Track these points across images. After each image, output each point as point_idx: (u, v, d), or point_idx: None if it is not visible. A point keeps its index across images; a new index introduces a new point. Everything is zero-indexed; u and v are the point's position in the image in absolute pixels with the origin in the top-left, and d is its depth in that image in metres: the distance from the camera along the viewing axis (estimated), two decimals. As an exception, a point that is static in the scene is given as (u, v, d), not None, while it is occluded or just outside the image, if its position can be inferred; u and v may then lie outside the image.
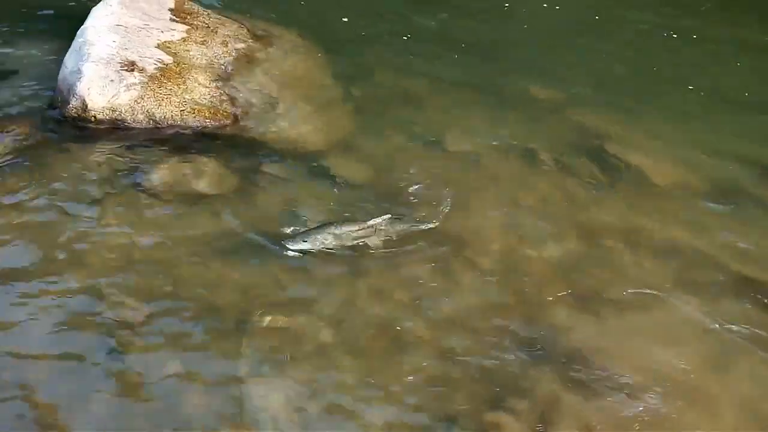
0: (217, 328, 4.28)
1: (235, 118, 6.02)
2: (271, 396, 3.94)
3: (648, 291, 4.89)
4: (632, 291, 4.89)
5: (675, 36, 8.50)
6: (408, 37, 7.96)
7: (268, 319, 4.33)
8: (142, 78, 5.97)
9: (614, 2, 9.30)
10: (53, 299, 4.34)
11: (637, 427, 3.96)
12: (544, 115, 6.83)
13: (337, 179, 5.57)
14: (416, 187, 5.60)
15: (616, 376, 4.24)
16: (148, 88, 5.91)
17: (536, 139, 6.41)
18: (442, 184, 5.66)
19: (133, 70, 5.98)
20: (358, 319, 4.43)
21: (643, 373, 4.28)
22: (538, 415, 3.99)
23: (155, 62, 6.16)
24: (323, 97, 6.60)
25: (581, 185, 5.90)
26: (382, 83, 7.05)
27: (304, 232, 4.79)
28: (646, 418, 4.02)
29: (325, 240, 4.73)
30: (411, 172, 5.80)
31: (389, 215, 4.97)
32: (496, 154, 6.16)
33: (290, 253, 4.63)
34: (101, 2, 6.64)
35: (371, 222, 4.89)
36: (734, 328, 4.65)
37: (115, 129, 5.74)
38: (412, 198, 5.50)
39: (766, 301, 4.87)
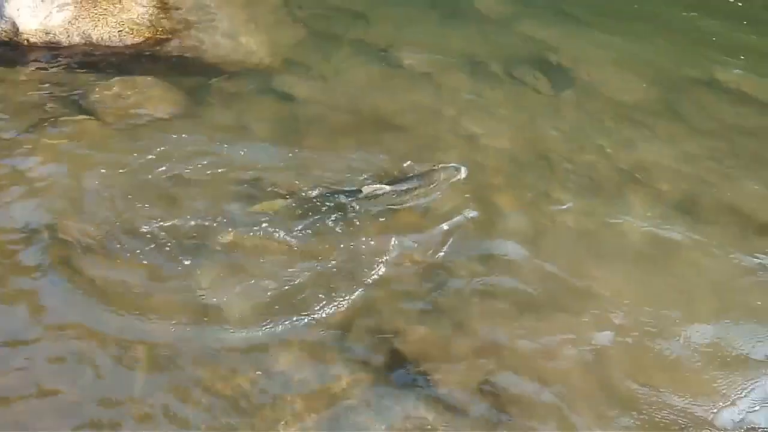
0: (177, 249, 4.22)
1: (176, 37, 5.80)
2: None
3: (591, 198, 4.98)
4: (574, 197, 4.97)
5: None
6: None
7: (228, 236, 4.29)
8: (74, -3, 5.67)
9: None
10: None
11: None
12: (493, 28, 6.77)
13: (286, 96, 5.46)
14: (367, 101, 5.55)
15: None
16: (82, 8, 5.64)
17: (486, 52, 6.37)
18: (394, 99, 5.61)
19: (64, -11, 5.68)
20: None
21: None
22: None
23: (87, -19, 5.85)
24: (268, 14, 6.40)
25: (532, 96, 5.93)
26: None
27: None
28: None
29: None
30: (360, 87, 5.73)
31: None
32: (446, 67, 6.11)
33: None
34: None
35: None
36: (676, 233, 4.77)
37: (50, 52, 5.50)
38: (365, 114, 5.45)
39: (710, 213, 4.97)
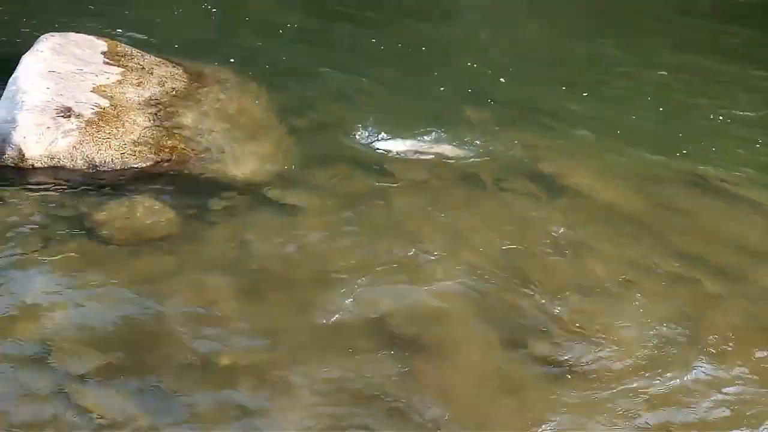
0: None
1: (177, 157, 5.99)
2: None
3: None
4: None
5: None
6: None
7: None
8: (79, 123, 5.87)
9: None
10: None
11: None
12: (479, 135, 7.02)
13: (287, 210, 5.61)
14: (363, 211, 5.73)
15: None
16: (86, 133, 5.83)
17: (476, 161, 6.61)
18: (390, 209, 5.79)
19: (69, 116, 5.88)
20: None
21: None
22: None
23: (92, 107, 6.08)
24: (264, 129, 6.64)
25: (523, 203, 6.12)
26: (322, 110, 7.17)
27: None
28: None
29: None
30: (358, 199, 5.90)
31: None
32: (440, 180, 6.30)
33: None
34: (31, 50, 6.51)
35: None
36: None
37: (55, 176, 5.63)
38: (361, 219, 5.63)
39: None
